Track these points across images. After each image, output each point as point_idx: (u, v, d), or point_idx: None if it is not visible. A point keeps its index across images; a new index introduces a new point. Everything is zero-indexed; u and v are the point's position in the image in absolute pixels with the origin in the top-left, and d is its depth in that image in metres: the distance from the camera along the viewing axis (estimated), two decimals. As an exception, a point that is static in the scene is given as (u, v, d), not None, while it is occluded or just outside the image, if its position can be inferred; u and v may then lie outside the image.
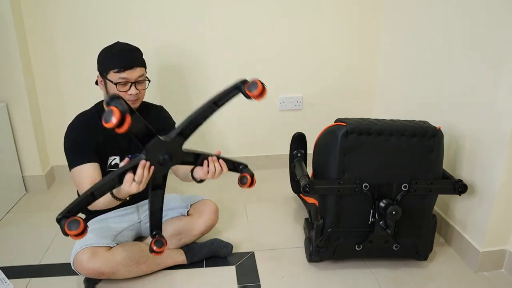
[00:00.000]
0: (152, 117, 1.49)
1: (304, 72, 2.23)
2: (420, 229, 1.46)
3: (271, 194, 2.09)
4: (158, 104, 1.62)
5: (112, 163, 1.46)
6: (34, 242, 1.67)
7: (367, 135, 1.35)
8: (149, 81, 1.46)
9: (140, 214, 1.57)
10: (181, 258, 1.51)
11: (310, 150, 1.67)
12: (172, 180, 1.83)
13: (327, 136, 1.43)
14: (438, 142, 1.37)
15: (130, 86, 1.38)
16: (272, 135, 2.33)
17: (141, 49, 1.45)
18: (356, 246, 1.46)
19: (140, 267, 1.41)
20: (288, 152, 1.81)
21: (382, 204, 1.37)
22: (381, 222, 1.37)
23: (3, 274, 1.46)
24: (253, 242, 1.67)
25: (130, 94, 1.38)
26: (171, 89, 2.16)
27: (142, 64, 1.42)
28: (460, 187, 1.40)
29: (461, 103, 1.55)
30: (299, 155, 1.78)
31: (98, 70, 1.41)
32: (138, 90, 1.40)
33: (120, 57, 1.37)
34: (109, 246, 1.38)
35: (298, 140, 1.78)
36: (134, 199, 1.54)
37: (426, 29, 1.78)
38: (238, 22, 2.08)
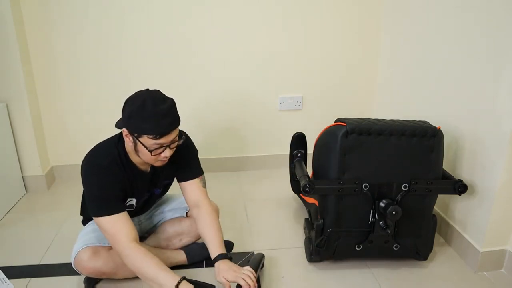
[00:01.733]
0: (175, 160, 1.39)
1: (304, 72, 2.23)
2: (420, 229, 1.46)
3: (271, 194, 2.09)
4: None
5: (128, 204, 1.38)
6: (34, 242, 1.67)
7: (367, 135, 1.35)
8: (183, 136, 1.31)
9: (140, 217, 1.56)
10: (181, 258, 1.50)
11: (310, 150, 1.67)
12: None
13: (327, 136, 1.43)
14: (438, 142, 1.37)
15: (164, 149, 1.25)
16: (272, 135, 2.34)
17: (174, 99, 1.27)
18: (356, 246, 1.46)
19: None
20: (288, 152, 1.81)
21: (382, 204, 1.37)
22: (381, 222, 1.37)
23: (3, 274, 1.46)
24: (253, 242, 1.67)
25: (164, 157, 1.26)
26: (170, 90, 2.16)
27: (178, 123, 1.26)
28: (460, 187, 1.40)
29: (461, 103, 1.55)
30: (299, 155, 1.78)
31: (127, 127, 1.22)
32: (171, 149, 1.27)
33: (158, 123, 1.19)
34: (110, 246, 1.37)
35: (298, 140, 1.78)
36: (142, 212, 1.56)
37: (426, 29, 1.78)
38: (238, 22, 2.08)
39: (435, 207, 1.48)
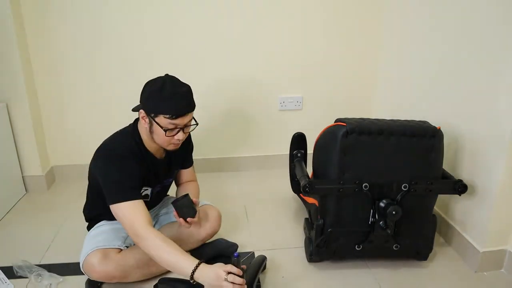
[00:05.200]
0: (185, 144, 1.46)
1: (304, 72, 2.23)
2: (420, 229, 1.46)
3: (271, 194, 2.09)
4: None
5: (143, 194, 1.38)
6: (34, 242, 1.67)
7: (367, 135, 1.35)
8: (197, 124, 1.36)
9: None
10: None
11: (310, 150, 1.67)
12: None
13: (327, 136, 1.43)
14: (438, 142, 1.37)
15: (178, 131, 1.30)
16: (272, 135, 2.34)
17: (190, 87, 1.33)
18: (356, 246, 1.46)
19: (151, 269, 1.37)
20: (288, 152, 1.81)
21: (382, 204, 1.37)
22: (381, 222, 1.37)
23: (3, 274, 1.46)
24: (253, 242, 1.67)
25: (177, 139, 1.31)
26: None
27: (194, 107, 1.32)
28: (460, 187, 1.40)
29: (461, 103, 1.55)
30: (299, 155, 1.78)
31: (144, 108, 1.29)
32: (185, 133, 1.32)
33: (175, 103, 1.25)
34: (120, 249, 1.35)
35: (298, 140, 1.78)
36: (153, 207, 1.56)
37: (426, 29, 1.78)
38: (238, 22, 2.08)
39: (435, 207, 1.48)
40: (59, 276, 1.44)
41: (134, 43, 2.06)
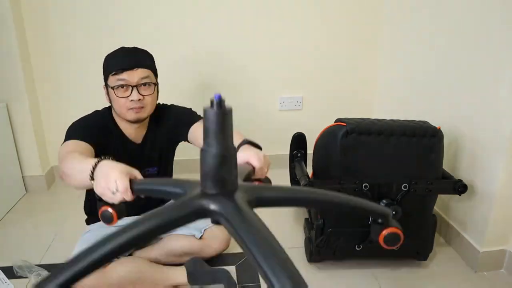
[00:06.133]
0: (167, 124, 1.39)
1: (304, 72, 2.23)
2: (420, 229, 1.46)
3: (271, 194, 2.08)
4: (165, 104, 1.47)
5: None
6: (34, 242, 1.67)
7: (367, 135, 1.34)
8: (156, 84, 1.29)
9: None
10: (182, 279, 1.35)
11: (310, 150, 1.67)
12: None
13: (327, 136, 1.43)
14: (438, 142, 1.37)
15: (131, 91, 1.21)
16: (272, 135, 2.33)
17: (150, 53, 1.33)
18: (356, 246, 1.46)
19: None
20: (288, 152, 1.81)
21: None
22: (381, 222, 1.37)
23: (3, 274, 1.46)
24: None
25: (132, 100, 1.22)
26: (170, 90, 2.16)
27: (146, 65, 1.25)
28: (460, 187, 1.40)
29: (461, 103, 1.55)
30: (299, 155, 1.78)
31: (104, 77, 1.28)
32: (142, 95, 1.23)
33: (119, 58, 1.24)
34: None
35: (298, 140, 1.78)
36: (143, 206, 1.48)
37: (426, 29, 1.78)
38: (238, 22, 2.09)
39: (435, 207, 1.48)
40: (59, 276, 1.44)
41: (134, 43, 2.05)
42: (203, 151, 0.66)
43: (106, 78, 1.25)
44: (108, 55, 1.28)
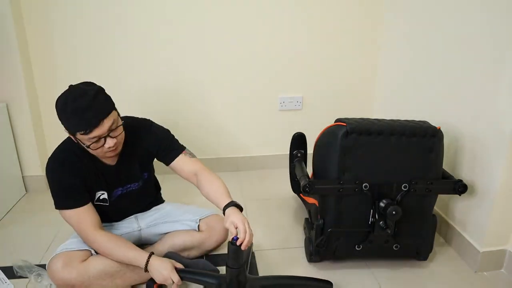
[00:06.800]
0: (146, 140, 1.41)
1: (304, 72, 2.23)
2: (420, 229, 1.46)
3: (271, 194, 2.09)
4: (144, 118, 1.47)
5: (101, 198, 1.37)
6: (34, 242, 1.67)
7: (367, 135, 1.35)
8: (122, 123, 1.27)
9: (139, 222, 1.52)
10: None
11: (310, 150, 1.67)
12: (172, 189, 1.84)
13: (327, 136, 1.43)
14: (438, 142, 1.37)
15: (104, 140, 1.22)
16: (272, 135, 2.34)
17: (100, 86, 1.26)
18: (356, 246, 1.46)
19: (115, 281, 1.32)
20: (288, 152, 1.81)
21: (382, 204, 1.37)
22: (381, 222, 1.37)
23: (3, 274, 1.46)
24: (253, 242, 1.67)
25: (108, 148, 1.23)
26: (170, 90, 2.16)
27: (108, 112, 1.20)
28: (460, 187, 1.40)
29: (461, 103, 1.55)
30: (299, 155, 1.78)
31: (65, 129, 1.23)
32: (115, 138, 1.23)
33: (80, 118, 1.17)
34: (90, 252, 1.32)
35: (298, 140, 1.78)
36: (130, 212, 1.52)
37: (426, 29, 1.78)
38: (238, 22, 2.08)
39: (435, 207, 1.48)
40: (59, 276, 1.44)
41: (134, 43, 2.05)
42: (228, 267, 1.22)
43: (72, 134, 1.23)
44: (65, 111, 1.19)
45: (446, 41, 1.64)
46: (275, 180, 2.22)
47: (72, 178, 1.28)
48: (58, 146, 1.34)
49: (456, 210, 1.61)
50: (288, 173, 1.89)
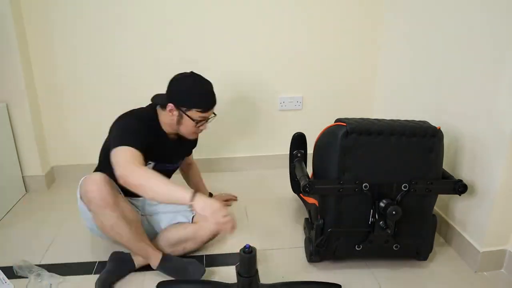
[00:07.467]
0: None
1: (304, 72, 2.23)
2: (420, 229, 1.46)
3: (271, 194, 2.09)
4: None
5: (147, 164, 1.44)
6: (34, 242, 1.67)
7: (367, 135, 1.35)
8: (215, 115, 1.53)
9: (145, 210, 1.57)
10: (155, 259, 1.43)
11: (310, 150, 1.67)
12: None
13: (327, 136, 1.43)
14: (438, 142, 1.37)
15: (204, 122, 1.49)
16: (272, 135, 2.34)
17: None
18: (356, 246, 1.46)
19: (131, 229, 1.35)
20: (288, 152, 1.81)
21: (382, 204, 1.37)
22: (381, 222, 1.37)
23: (3, 274, 1.46)
24: (253, 242, 1.66)
25: (202, 129, 1.51)
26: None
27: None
28: (460, 187, 1.40)
29: (461, 103, 1.55)
30: (299, 155, 1.78)
31: (176, 102, 1.42)
32: (207, 123, 1.51)
33: (207, 98, 1.45)
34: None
35: (298, 140, 1.78)
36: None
37: (426, 29, 1.78)
38: (238, 22, 2.09)
39: (435, 207, 1.48)
40: (59, 276, 1.44)
41: (134, 42, 2.06)
42: (240, 276, 1.23)
43: (187, 108, 1.42)
44: (195, 87, 1.44)
45: (446, 41, 1.64)
46: (275, 180, 2.22)
47: (143, 130, 1.38)
48: (131, 110, 1.47)
49: (456, 210, 1.61)
50: (288, 173, 1.89)
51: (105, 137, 1.45)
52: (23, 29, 1.94)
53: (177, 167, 1.68)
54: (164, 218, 1.56)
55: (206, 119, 1.48)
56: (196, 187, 1.86)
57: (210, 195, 1.96)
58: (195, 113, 1.43)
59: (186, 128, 1.47)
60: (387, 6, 2.12)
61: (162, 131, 1.50)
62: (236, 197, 2.01)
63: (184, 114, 1.43)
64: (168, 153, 1.54)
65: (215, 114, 1.52)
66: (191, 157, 1.86)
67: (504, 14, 1.31)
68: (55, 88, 2.09)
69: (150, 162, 1.46)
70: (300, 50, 2.18)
